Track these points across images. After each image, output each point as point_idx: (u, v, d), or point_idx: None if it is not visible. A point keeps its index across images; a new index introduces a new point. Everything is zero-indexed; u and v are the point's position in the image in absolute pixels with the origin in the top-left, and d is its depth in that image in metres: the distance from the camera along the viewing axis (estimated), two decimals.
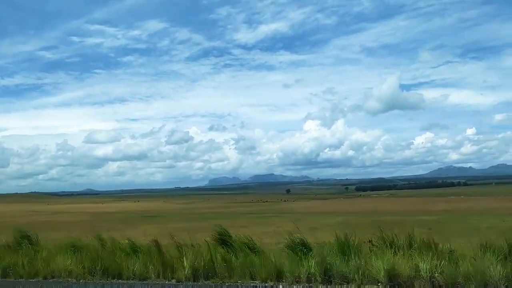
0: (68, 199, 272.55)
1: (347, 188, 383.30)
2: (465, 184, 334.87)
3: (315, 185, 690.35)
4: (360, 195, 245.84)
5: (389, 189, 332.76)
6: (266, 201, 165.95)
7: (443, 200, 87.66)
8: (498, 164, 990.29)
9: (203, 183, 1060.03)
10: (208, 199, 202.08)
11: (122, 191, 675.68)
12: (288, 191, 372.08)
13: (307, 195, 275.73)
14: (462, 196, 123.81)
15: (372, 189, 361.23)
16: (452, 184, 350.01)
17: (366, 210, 56.54)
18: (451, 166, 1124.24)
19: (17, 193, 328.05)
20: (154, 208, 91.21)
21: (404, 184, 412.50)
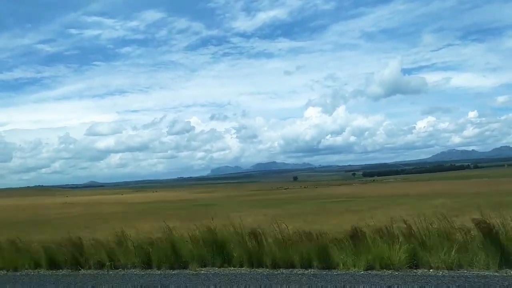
0: (78, 191, 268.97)
1: (354, 174, 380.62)
2: (476, 167, 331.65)
3: (318, 172, 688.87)
4: (373, 180, 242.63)
5: (397, 174, 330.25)
6: (287, 188, 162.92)
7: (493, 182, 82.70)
8: (501, 147, 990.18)
9: (205, 173, 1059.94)
10: (229, 188, 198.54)
11: (126, 183, 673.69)
12: (295, 178, 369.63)
13: (318, 182, 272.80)
14: (485, 179, 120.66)
15: (379, 174, 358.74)
16: (461, 167, 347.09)
17: (438, 192, 52.86)
18: (454, 149, 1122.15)
19: (28, 186, 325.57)
20: (190, 197, 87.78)
21: (412, 169, 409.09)
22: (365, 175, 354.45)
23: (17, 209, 60.33)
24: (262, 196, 71.49)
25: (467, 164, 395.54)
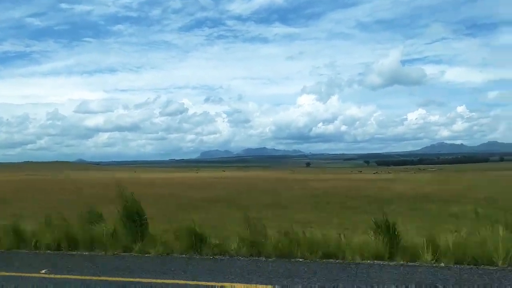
0: (99, 167, 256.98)
1: (367, 163, 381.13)
2: (502, 160, 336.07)
3: (312, 159, 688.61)
4: (408, 169, 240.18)
5: (412, 165, 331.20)
6: (369, 172, 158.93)
7: None
8: (488, 142, 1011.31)
9: (194, 156, 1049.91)
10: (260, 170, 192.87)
11: (117, 163, 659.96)
12: (308, 164, 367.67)
13: (339, 169, 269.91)
14: None
15: (386, 164, 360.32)
16: (487, 160, 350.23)
17: None
18: (443, 142, 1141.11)
19: (17, 162, 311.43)
20: (236, 177, 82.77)
21: (440, 159, 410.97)
22: (379, 164, 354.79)
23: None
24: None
25: (458, 157, 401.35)
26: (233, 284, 6.18)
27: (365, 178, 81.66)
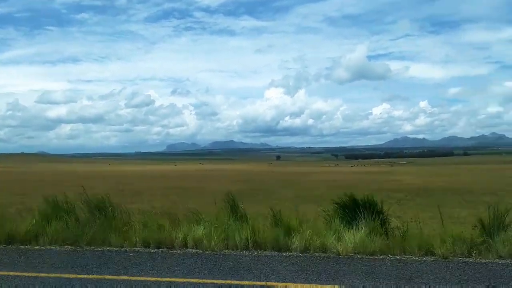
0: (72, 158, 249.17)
1: (336, 156, 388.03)
2: (466, 154, 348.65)
3: (280, 152, 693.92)
4: (394, 163, 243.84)
5: (379, 158, 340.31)
6: (337, 165, 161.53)
7: None
8: (449, 136, 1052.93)
9: (160, 149, 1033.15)
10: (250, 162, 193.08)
11: (80, 155, 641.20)
12: (278, 157, 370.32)
13: (310, 162, 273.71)
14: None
15: (356, 157, 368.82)
16: (451, 154, 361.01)
17: None
18: (406, 137, 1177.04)
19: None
20: (222, 170, 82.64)
21: (407, 153, 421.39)
22: (348, 157, 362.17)
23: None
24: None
25: (463, 151, 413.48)
26: None
27: (360, 171, 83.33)
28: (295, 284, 5.58)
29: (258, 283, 5.63)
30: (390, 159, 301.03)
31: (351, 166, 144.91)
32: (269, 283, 5.57)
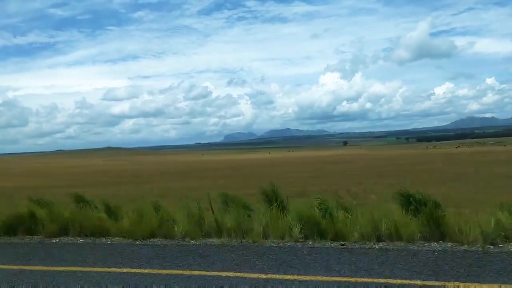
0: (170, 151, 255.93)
1: (407, 139, 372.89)
2: None
3: (339, 138, 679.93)
4: (483, 143, 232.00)
5: (455, 139, 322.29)
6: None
7: None
8: None
9: (218, 139, 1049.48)
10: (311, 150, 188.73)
11: (143, 148, 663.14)
12: (345, 143, 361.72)
13: (378, 146, 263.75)
14: None
15: (428, 140, 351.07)
16: None
17: None
18: (473, 116, 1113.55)
19: (47, 151, 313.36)
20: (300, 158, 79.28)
21: (482, 133, 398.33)
22: (419, 140, 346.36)
23: None
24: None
25: (495, 131, 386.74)
26: None
27: (476, 151, 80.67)
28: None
29: None
30: (469, 140, 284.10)
31: (456, 148, 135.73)
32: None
